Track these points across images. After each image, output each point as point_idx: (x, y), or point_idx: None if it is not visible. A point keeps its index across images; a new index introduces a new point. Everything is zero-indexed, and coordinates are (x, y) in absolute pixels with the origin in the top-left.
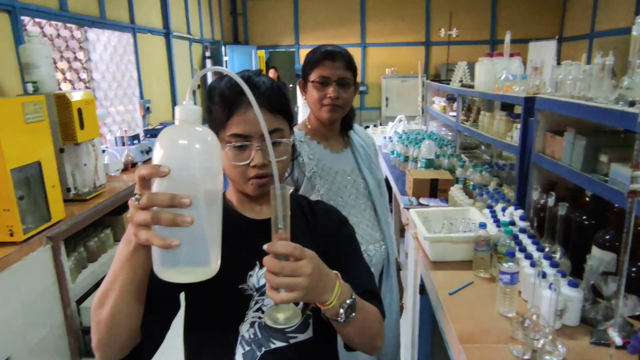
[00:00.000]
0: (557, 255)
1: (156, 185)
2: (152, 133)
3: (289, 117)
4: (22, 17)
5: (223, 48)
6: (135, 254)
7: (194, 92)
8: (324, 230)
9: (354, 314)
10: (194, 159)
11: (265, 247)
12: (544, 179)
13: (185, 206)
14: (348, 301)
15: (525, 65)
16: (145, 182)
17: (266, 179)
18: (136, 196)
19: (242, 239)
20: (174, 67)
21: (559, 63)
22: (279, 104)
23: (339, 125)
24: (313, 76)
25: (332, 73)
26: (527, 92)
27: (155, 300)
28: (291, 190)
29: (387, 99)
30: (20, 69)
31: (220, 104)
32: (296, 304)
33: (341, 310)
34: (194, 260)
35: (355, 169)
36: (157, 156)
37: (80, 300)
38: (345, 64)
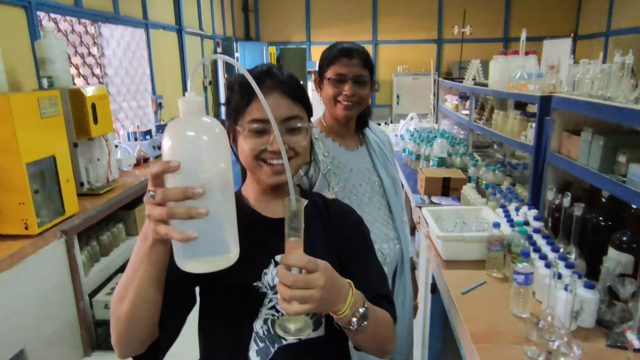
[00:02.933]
0: (573, 256)
1: (169, 180)
2: (164, 129)
3: (308, 107)
4: (38, 13)
5: (234, 44)
6: (152, 249)
7: (205, 88)
8: (338, 230)
9: (365, 323)
10: (202, 149)
11: (277, 258)
12: (559, 179)
13: (198, 196)
14: (361, 310)
15: (540, 63)
16: (158, 179)
17: (282, 165)
18: (150, 193)
19: (258, 237)
20: (186, 63)
21: (575, 61)
22: (298, 92)
23: (354, 123)
24: (329, 73)
25: (349, 71)
26: (543, 90)
27: (172, 295)
28: (306, 204)
29: (398, 97)
30: (36, 64)
31: (240, 91)
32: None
33: (353, 319)
34: (214, 250)
35: (371, 167)
36: (167, 150)
37: (92, 294)
38: (362, 61)
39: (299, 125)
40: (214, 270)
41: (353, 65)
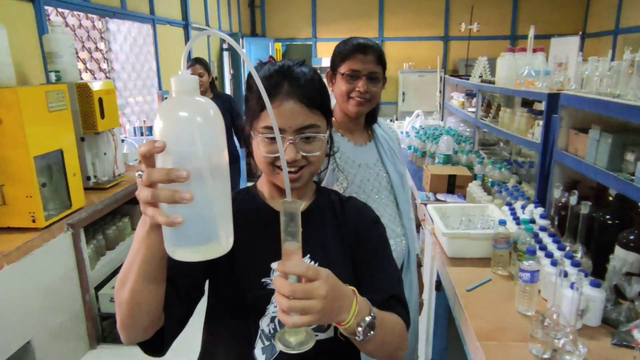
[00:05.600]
0: (579, 255)
1: (159, 162)
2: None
3: (327, 111)
4: (46, 7)
5: (241, 40)
6: (150, 233)
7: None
8: (353, 228)
9: (372, 333)
10: (194, 130)
11: (274, 265)
12: (566, 177)
13: (182, 179)
14: (367, 319)
15: (548, 61)
16: (148, 160)
17: (297, 174)
18: (138, 173)
19: (269, 232)
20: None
21: (583, 59)
22: (317, 99)
23: (363, 119)
24: (343, 69)
25: (363, 67)
26: (550, 88)
27: (179, 283)
28: (302, 205)
29: (403, 94)
30: (44, 58)
31: (257, 93)
32: None
33: (359, 329)
34: (203, 238)
35: (379, 163)
36: (157, 130)
37: (98, 287)
38: (376, 58)
39: (315, 134)
40: (202, 259)
41: (367, 62)
